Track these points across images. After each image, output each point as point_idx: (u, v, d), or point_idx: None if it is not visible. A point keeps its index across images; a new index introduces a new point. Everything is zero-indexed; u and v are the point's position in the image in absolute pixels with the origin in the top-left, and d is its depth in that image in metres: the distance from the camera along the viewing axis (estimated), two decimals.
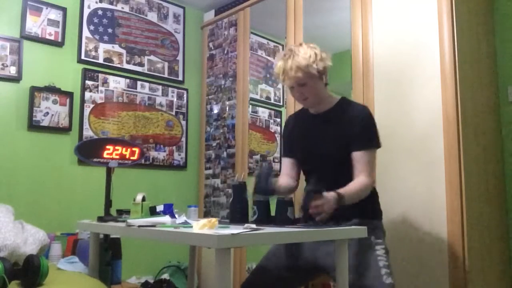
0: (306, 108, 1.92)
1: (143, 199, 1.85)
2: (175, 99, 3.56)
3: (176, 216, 1.73)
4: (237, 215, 1.77)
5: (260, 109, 3.32)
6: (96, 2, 3.20)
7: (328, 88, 1.85)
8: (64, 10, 3.03)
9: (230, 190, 3.26)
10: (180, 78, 3.63)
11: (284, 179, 1.93)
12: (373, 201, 1.84)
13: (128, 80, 3.29)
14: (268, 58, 3.36)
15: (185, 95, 3.63)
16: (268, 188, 1.71)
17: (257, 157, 3.24)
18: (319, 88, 1.79)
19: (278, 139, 3.37)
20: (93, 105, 3.09)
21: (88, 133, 3.03)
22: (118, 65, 3.26)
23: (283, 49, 3.27)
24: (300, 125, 1.94)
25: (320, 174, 1.79)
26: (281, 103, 3.31)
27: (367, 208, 1.77)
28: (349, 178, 1.72)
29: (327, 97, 1.84)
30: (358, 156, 1.73)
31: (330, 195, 1.58)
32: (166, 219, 1.60)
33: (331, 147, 1.78)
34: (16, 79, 2.78)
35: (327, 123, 1.82)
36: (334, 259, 1.58)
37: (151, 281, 3.09)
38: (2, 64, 2.74)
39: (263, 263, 1.91)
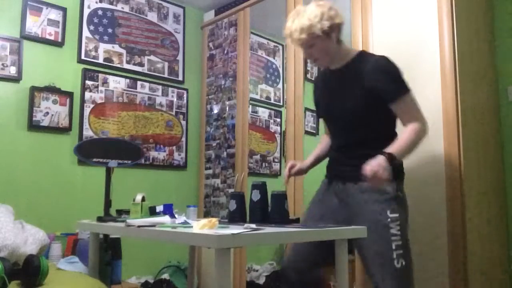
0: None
1: (143, 199, 1.85)
2: (175, 99, 3.56)
3: (176, 216, 1.73)
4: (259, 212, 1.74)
5: (260, 109, 3.32)
6: (96, 2, 3.20)
7: (343, 43, 1.80)
8: (64, 10, 3.03)
9: (230, 190, 3.26)
10: (180, 78, 3.63)
11: (323, 138, 2.02)
12: None
13: (128, 80, 3.29)
14: (268, 58, 3.36)
15: (185, 95, 3.63)
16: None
17: (257, 157, 3.24)
18: (329, 47, 1.73)
19: (278, 139, 3.37)
20: (93, 105, 3.09)
21: (88, 133, 3.03)
22: (118, 65, 3.26)
23: (283, 49, 3.27)
24: (322, 83, 1.92)
25: (344, 131, 1.77)
26: (281, 103, 3.31)
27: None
28: (376, 132, 1.70)
29: (342, 53, 1.78)
30: (396, 108, 1.67)
31: (378, 159, 1.53)
32: (166, 219, 1.60)
33: (350, 101, 1.73)
34: (16, 79, 2.78)
35: (345, 77, 1.76)
36: (335, 259, 1.58)
37: (151, 281, 3.09)
38: (2, 64, 2.74)
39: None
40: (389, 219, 1.64)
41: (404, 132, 1.65)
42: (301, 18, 1.69)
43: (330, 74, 1.85)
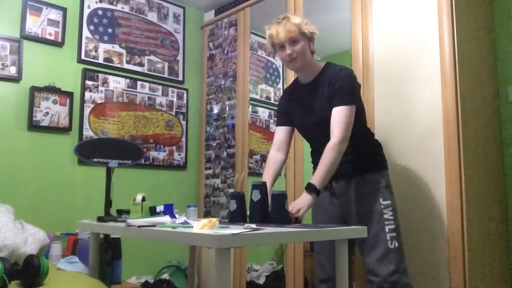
0: (297, 81, 2.04)
1: (143, 199, 1.85)
2: (175, 99, 3.56)
3: (176, 216, 1.73)
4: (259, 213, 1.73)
5: (260, 109, 3.32)
6: (96, 2, 3.20)
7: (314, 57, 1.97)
8: (64, 10, 3.03)
9: (230, 190, 3.27)
10: (180, 78, 3.63)
11: (273, 157, 2.04)
12: (378, 153, 1.98)
13: (128, 80, 3.29)
14: (268, 58, 3.36)
15: (185, 95, 3.63)
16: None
17: (257, 157, 3.24)
18: (307, 51, 1.88)
19: None
20: (93, 105, 3.09)
21: (88, 133, 3.03)
22: (118, 65, 3.26)
23: None
24: (294, 96, 2.05)
25: (318, 139, 1.93)
26: None
27: (375, 160, 1.95)
28: (352, 132, 1.82)
29: (314, 64, 1.95)
30: (333, 113, 1.82)
31: (300, 198, 1.73)
32: (166, 219, 1.60)
33: (320, 111, 1.90)
34: (16, 79, 2.78)
35: (315, 89, 1.93)
36: (335, 259, 1.59)
37: (151, 281, 3.09)
38: (2, 64, 2.74)
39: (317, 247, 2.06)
40: (382, 206, 1.85)
41: (324, 153, 1.77)
42: (291, 20, 1.85)
43: (301, 89, 2.00)
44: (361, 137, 1.91)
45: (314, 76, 1.94)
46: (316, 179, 1.74)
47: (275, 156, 2.04)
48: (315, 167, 1.98)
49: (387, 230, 1.81)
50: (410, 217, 2.13)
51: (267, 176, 1.98)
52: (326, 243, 1.94)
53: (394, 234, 1.81)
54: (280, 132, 2.08)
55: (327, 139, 1.83)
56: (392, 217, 1.84)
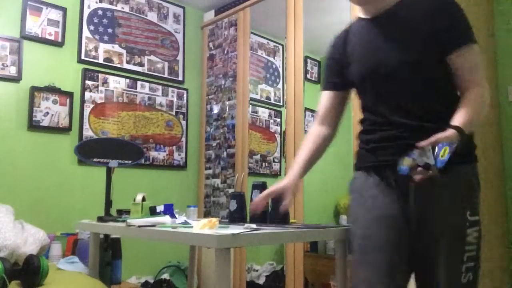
0: (358, 19, 1.45)
1: (143, 199, 1.85)
2: (175, 99, 3.56)
3: (176, 216, 1.73)
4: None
5: (260, 109, 3.32)
6: (96, 2, 3.20)
7: None
8: (64, 10, 3.03)
9: (230, 190, 3.27)
10: (180, 78, 3.63)
11: (314, 131, 1.51)
12: (471, 136, 1.31)
13: (128, 80, 3.29)
14: (268, 58, 3.36)
15: (185, 95, 3.63)
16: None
17: (257, 157, 3.24)
18: None
19: (278, 139, 3.37)
20: (93, 105, 3.09)
21: (88, 133, 3.03)
22: (118, 65, 3.26)
23: (283, 49, 3.27)
24: (354, 37, 1.43)
25: (396, 97, 1.32)
26: (281, 103, 3.32)
27: (468, 145, 1.28)
28: (444, 96, 1.29)
29: None
30: (459, 60, 1.25)
31: (447, 134, 1.14)
32: (166, 219, 1.60)
33: (400, 54, 1.30)
34: (16, 79, 2.78)
35: (392, 24, 1.33)
36: (335, 260, 1.58)
37: (151, 281, 3.09)
38: (2, 64, 2.74)
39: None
40: (467, 223, 1.25)
41: (468, 97, 1.23)
42: None
43: (369, 23, 1.39)
44: (453, 107, 1.24)
45: (388, 5, 1.35)
46: (461, 120, 1.18)
47: (316, 130, 1.50)
48: (361, 159, 1.41)
49: (465, 258, 1.23)
50: None
51: (299, 155, 1.46)
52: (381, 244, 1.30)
53: (472, 264, 1.24)
54: (324, 98, 1.51)
55: (402, 102, 1.29)
56: (475, 241, 1.25)
